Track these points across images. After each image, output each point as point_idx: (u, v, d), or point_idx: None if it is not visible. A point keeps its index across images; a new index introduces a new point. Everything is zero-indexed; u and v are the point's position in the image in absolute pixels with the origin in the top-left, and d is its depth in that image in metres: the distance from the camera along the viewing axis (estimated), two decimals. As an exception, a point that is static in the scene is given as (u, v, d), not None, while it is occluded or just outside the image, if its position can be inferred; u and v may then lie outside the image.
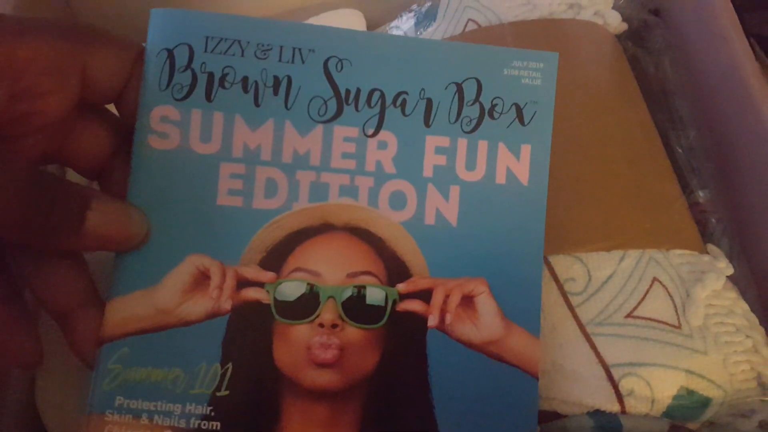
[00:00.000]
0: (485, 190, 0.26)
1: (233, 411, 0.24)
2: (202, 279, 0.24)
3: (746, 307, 0.30)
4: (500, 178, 0.26)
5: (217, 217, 0.25)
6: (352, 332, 0.24)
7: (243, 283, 0.25)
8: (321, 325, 0.24)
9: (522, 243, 0.26)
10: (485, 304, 0.25)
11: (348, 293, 0.25)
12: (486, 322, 0.25)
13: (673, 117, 0.37)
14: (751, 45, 0.45)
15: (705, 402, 0.28)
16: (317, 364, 0.24)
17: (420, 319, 0.25)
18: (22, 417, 0.30)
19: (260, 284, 0.25)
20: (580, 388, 0.27)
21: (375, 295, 0.25)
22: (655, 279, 0.29)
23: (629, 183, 0.32)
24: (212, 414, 0.24)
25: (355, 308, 0.24)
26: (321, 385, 0.24)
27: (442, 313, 0.25)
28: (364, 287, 0.25)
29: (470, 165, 0.26)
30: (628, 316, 0.28)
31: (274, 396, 0.24)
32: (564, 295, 0.29)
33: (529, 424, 0.25)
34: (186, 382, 0.24)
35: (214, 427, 0.23)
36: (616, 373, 0.27)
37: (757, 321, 0.30)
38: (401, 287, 0.25)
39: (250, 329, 0.24)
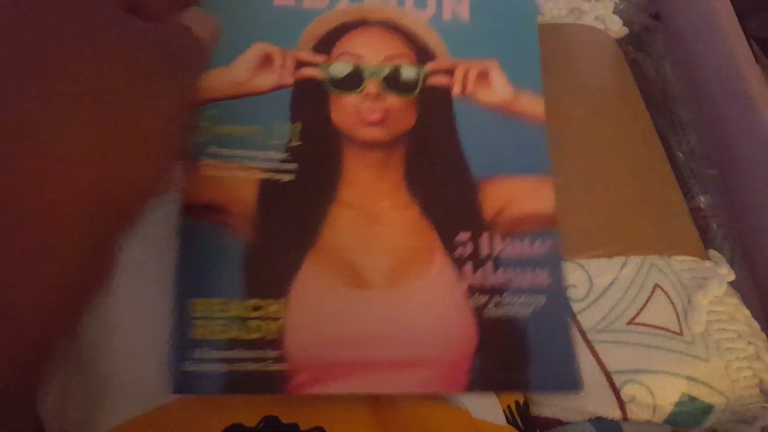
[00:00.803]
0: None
1: (306, 155, 0.29)
2: (267, 61, 0.30)
3: (748, 313, 0.30)
4: None
5: (275, 14, 0.30)
6: (393, 99, 0.30)
7: (301, 64, 0.30)
8: (367, 95, 0.30)
9: (520, 32, 0.32)
10: (497, 75, 0.31)
11: (387, 71, 0.30)
12: (499, 89, 0.31)
13: (674, 121, 0.37)
14: (750, 47, 0.45)
15: (707, 409, 0.28)
16: (367, 123, 0.30)
17: (446, 90, 0.31)
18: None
19: (315, 65, 0.30)
20: (582, 395, 0.27)
21: (409, 72, 0.30)
22: (656, 285, 0.29)
23: (630, 189, 0.32)
24: (289, 158, 0.29)
25: (393, 82, 0.30)
26: (372, 138, 0.29)
27: (464, 84, 0.30)
28: (399, 66, 0.30)
29: None
30: (630, 323, 0.28)
31: (336, 145, 0.29)
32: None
33: (542, 162, 0.30)
34: (265, 135, 0.29)
35: (292, 168, 0.28)
36: (617, 380, 0.27)
37: (758, 327, 0.30)
38: (429, 66, 0.31)
39: (310, 98, 0.30)
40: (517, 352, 0.27)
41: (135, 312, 0.29)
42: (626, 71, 0.37)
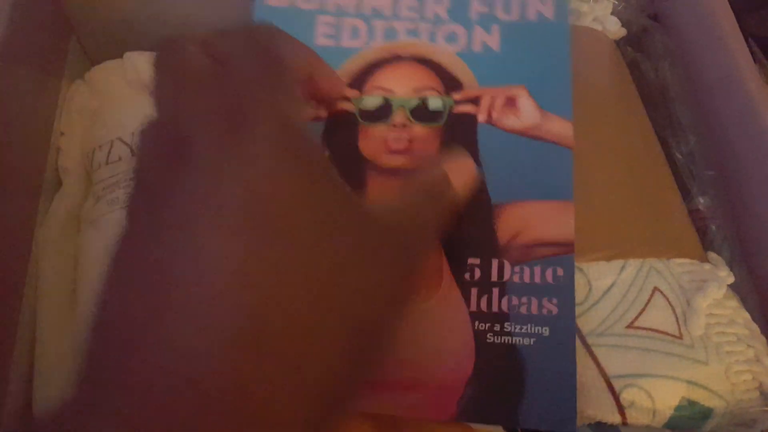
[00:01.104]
0: (520, 26, 0.33)
1: None
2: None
3: (747, 316, 0.30)
4: (531, 17, 0.33)
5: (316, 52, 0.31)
6: (418, 129, 0.31)
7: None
8: (394, 125, 0.31)
9: (551, 58, 0.32)
10: (525, 101, 0.31)
11: (414, 102, 0.32)
12: (526, 114, 0.31)
13: (672, 123, 0.37)
14: (749, 46, 0.45)
15: (707, 413, 0.28)
16: (392, 151, 0.31)
17: (472, 117, 0.31)
18: (20, 418, 0.30)
19: (348, 99, 0.32)
20: (581, 400, 0.27)
21: (435, 103, 0.31)
22: (655, 289, 0.29)
23: (629, 191, 0.32)
24: None
25: (421, 113, 0.31)
26: (395, 165, 0.31)
27: (490, 111, 0.31)
28: (426, 98, 0.32)
29: (507, 9, 0.33)
30: (629, 326, 0.28)
31: (361, 172, 0.31)
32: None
33: (566, 187, 0.29)
34: None
35: None
36: (617, 385, 0.27)
37: (758, 330, 0.30)
38: (456, 96, 0.32)
39: (341, 129, 0.31)
40: (513, 384, 0.26)
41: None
42: (625, 72, 0.37)
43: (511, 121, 0.31)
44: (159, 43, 0.20)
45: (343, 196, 0.19)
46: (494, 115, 0.31)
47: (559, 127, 0.30)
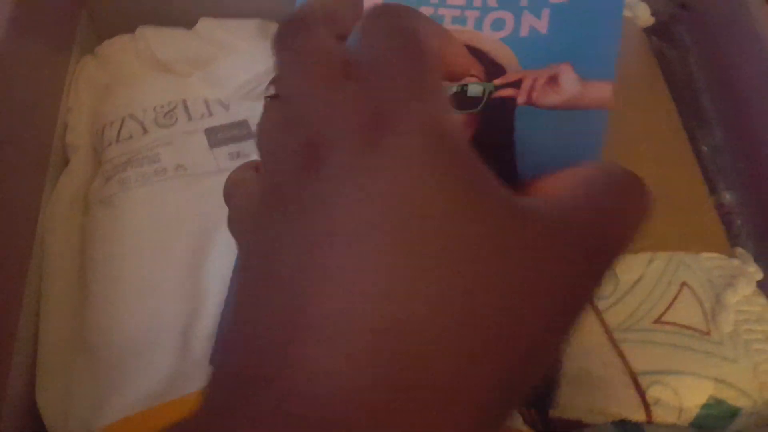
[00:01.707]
0: (571, 8, 0.31)
1: None
2: None
3: (776, 313, 0.29)
4: None
5: None
6: (456, 116, 0.29)
7: None
8: None
9: (602, 31, 0.30)
10: (567, 76, 0.29)
11: (453, 90, 0.30)
12: (566, 88, 0.29)
13: (699, 115, 0.36)
14: None
15: (734, 412, 0.27)
16: None
17: (511, 101, 0.29)
18: (23, 416, 0.29)
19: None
20: (606, 396, 0.26)
21: (475, 89, 0.30)
22: (684, 283, 0.28)
23: (657, 183, 0.31)
24: None
25: (459, 100, 0.30)
26: None
27: (530, 92, 0.29)
28: (466, 85, 0.30)
29: None
30: (657, 321, 0.27)
31: None
32: (590, 299, 0.28)
33: (593, 150, 0.28)
34: None
35: None
36: (643, 381, 0.26)
37: (787, 329, 0.29)
38: (497, 81, 0.30)
39: None
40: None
41: (149, 303, 0.28)
42: (653, 62, 0.36)
43: (550, 99, 0.29)
44: (281, 24, 0.18)
45: (506, 202, 0.16)
46: (534, 95, 0.29)
47: (599, 92, 0.29)
